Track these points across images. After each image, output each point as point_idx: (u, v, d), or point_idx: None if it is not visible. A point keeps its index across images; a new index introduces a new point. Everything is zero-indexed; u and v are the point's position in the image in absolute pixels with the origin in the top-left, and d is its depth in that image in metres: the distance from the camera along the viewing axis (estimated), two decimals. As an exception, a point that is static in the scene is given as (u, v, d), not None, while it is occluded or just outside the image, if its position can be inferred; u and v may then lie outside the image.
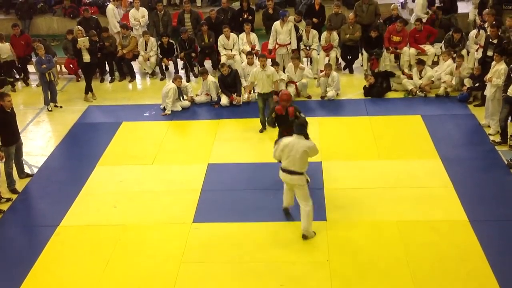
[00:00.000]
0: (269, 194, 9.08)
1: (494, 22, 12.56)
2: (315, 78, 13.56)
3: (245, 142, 11.27)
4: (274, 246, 8.15)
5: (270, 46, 13.95)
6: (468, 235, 8.20)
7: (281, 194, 8.85)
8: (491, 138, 10.83)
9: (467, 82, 12.50)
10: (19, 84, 14.61)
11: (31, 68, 14.66)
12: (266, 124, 10.58)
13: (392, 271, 7.57)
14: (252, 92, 12.70)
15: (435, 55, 14.20)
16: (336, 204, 9.03)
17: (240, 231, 8.51)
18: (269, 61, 12.36)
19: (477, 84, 12.15)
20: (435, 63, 14.12)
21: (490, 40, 12.03)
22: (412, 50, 14.00)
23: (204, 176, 9.99)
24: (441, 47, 13.94)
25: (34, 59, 13.47)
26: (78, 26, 14.10)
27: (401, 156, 10.43)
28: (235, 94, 12.71)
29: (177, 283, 7.56)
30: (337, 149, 10.80)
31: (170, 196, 9.50)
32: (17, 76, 14.66)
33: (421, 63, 13.10)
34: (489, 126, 11.10)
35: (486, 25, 12.92)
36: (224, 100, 12.80)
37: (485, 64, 11.95)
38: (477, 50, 12.77)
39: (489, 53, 11.91)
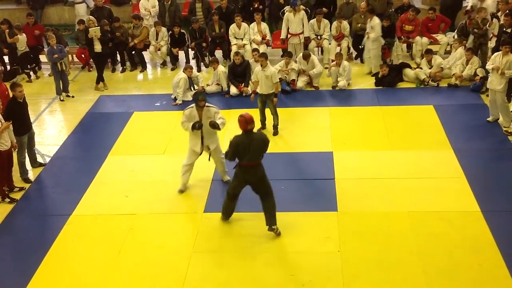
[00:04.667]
0: (280, 184, 9.06)
1: (508, 11, 12.40)
2: (326, 68, 13.54)
3: (256, 132, 11.25)
4: (285, 236, 8.14)
5: (282, 36, 13.90)
6: (480, 226, 8.15)
7: (293, 183, 8.81)
8: (504, 128, 10.74)
9: (480, 72, 12.38)
10: (31, 74, 14.65)
11: (43, 58, 14.72)
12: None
13: (403, 262, 7.56)
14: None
15: (448, 44, 14.08)
16: (347, 194, 9.02)
17: (251, 220, 8.51)
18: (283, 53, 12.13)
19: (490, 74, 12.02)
20: (448, 52, 14.01)
21: (504, 29, 11.89)
22: (425, 40, 13.89)
23: (215, 166, 9.99)
24: (454, 36, 13.81)
25: (46, 49, 13.50)
26: (90, 16, 14.11)
27: (413, 146, 10.38)
28: (243, 84, 12.66)
29: (188, 272, 7.59)
30: (348, 139, 10.76)
31: (182, 186, 9.53)
32: (29, 66, 14.71)
33: (429, 52, 13.04)
34: (497, 119, 10.98)
35: (499, 13, 12.77)
36: (234, 89, 12.77)
37: (499, 53, 11.82)
38: (490, 39, 12.63)
39: (503, 42, 11.78)
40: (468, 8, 14.04)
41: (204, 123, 8.90)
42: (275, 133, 10.97)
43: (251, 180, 8.06)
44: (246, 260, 7.79)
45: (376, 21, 13.18)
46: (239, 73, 12.71)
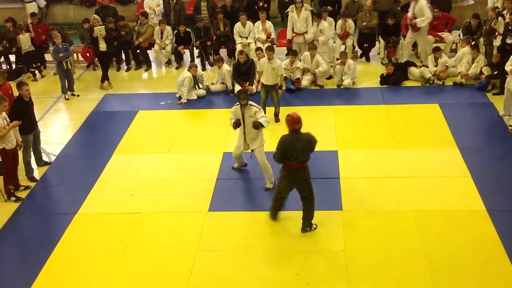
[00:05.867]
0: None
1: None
2: (331, 66, 13.52)
3: (260, 131, 11.26)
4: (290, 235, 8.16)
5: (288, 36, 13.86)
6: (486, 225, 8.13)
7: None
8: (510, 127, 10.69)
9: (486, 70, 12.34)
10: (36, 72, 14.68)
11: (48, 57, 14.76)
12: None
13: (408, 261, 7.54)
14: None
15: (453, 42, 14.03)
16: (352, 193, 9.01)
17: (256, 219, 8.52)
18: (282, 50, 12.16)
19: (495, 72, 11.99)
20: (453, 51, 13.96)
21: (510, 28, 11.84)
22: (430, 38, 13.83)
23: (220, 165, 10.01)
24: (459, 35, 13.76)
25: (51, 48, 13.54)
26: (95, 15, 14.14)
27: (418, 145, 10.35)
28: (248, 83, 12.66)
29: (193, 271, 7.60)
30: (353, 138, 10.74)
31: (186, 185, 9.54)
32: (33, 65, 14.73)
33: (437, 50, 12.98)
34: (509, 116, 10.93)
35: (505, 12, 12.71)
36: (238, 88, 12.75)
37: (504, 51, 11.78)
38: (495, 38, 12.58)
39: (508, 40, 11.76)
40: (410, 15, 13.60)
41: (246, 121, 9.02)
42: (277, 120, 11.24)
43: (298, 183, 7.98)
44: (251, 259, 7.79)
45: (325, 24, 13.29)
46: (244, 71, 12.70)
